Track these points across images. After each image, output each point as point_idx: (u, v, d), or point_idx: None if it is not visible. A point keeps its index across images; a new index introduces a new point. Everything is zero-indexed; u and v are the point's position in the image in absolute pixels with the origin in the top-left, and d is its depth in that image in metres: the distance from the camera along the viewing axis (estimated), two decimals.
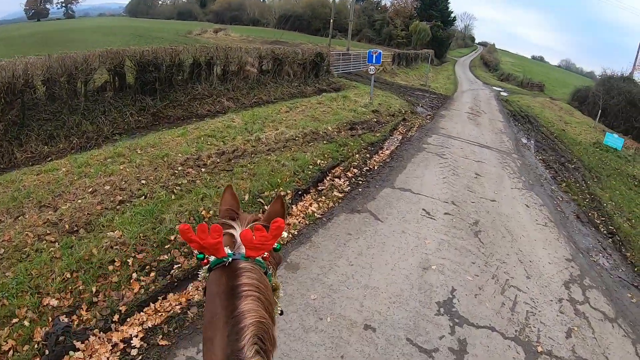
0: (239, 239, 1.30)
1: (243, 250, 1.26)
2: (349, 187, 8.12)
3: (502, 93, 36.82)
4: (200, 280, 1.73)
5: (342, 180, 8.37)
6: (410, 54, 37.96)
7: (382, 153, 10.66)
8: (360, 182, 8.42)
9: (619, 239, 9.19)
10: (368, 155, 10.06)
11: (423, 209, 7.71)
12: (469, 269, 6.13)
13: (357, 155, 9.90)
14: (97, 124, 9.96)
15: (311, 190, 7.78)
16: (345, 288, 5.22)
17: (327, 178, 8.45)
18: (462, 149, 12.68)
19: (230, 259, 1.24)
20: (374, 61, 15.48)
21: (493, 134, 16.42)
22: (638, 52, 42.10)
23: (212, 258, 1.26)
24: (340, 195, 7.76)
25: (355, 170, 8.95)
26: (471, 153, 12.49)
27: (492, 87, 41.19)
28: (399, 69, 33.02)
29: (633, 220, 10.56)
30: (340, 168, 8.96)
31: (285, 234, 1.38)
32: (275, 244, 1.30)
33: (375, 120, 14.12)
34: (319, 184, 8.16)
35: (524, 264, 6.77)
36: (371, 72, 15.67)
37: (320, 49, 21.94)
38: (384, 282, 5.41)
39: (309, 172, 8.30)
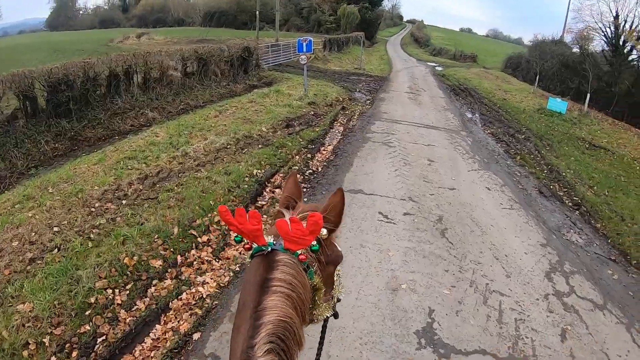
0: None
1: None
2: None
3: (437, 68, 37.06)
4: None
5: None
6: (341, 38, 37.27)
7: (324, 150, 9.74)
8: (305, 190, 7.44)
9: (585, 209, 8.90)
10: (309, 156, 9.10)
11: (380, 213, 6.86)
12: (443, 280, 5.33)
13: (297, 158, 8.93)
14: (10, 159, 8.85)
15: (250, 209, 6.73)
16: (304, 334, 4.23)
17: (267, 190, 7.44)
18: (409, 133, 12.03)
19: (269, 249, 1.21)
20: (304, 50, 14.47)
21: (437, 112, 15.97)
22: (567, 15, 43.72)
23: (254, 245, 1.23)
24: None
25: (298, 176, 7.96)
26: (419, 136, 11.85)
27: (427, 63, 41.46)
28: (331, 54, 32.29)
29: (595, 188, 10.34)
30: (280, 175, 7.95)
31: (324, 231, 1.28)
32: (314, 242, 1.24)
33: (312, 113, 13.20)
34: (258, 199, 7.13)
35: (500, 260, 6.09)
36: (303, 62, 14.67)
37: (248, 43, 20.72)
38: (349, 319, 4.48)
39: (246, 187, 7.26)
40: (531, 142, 13.47)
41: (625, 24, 31.89)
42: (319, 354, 1.65)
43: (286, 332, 1.08)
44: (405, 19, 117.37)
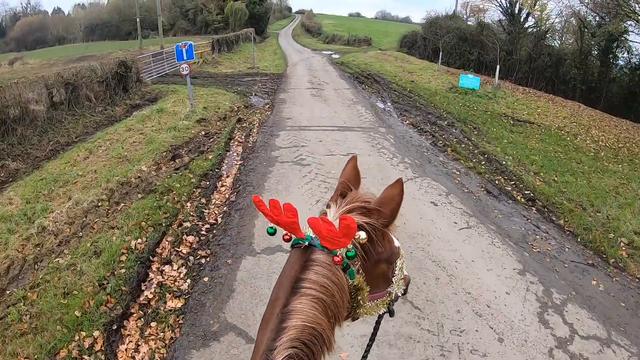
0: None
1: None
2: (189, 280, 5.05)
3: (333, 56, 36.13)
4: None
5: (176, 266, 5.29)
6: (230, 37, 34.77)
7: (222, 186, 7.73)
8: (204, 261, 5.41)
9: (542, 204, 8.01)
10: (204, 201, 7.01)
11: None
12: None
13: (188, 206, 6.83)
14: None
15: (131, 313, 4.63)
16: None
17: (153, 269, 5.31)
18: (322, 142, 10.38)
19: (307, 243, 1.19)
20: (185, 57, 12.15)
21: (347, 108, 14.54)
22: None
23: (293, 236, 1.22)
24: (180, 304, 4.69)
25: (192, 238, 5.88)
26: (334, 144, 10.26)
27: (322, 52, 40.43)
28: (222, 56, 29.84)
29: (542, 174, 9.49)
30: (169, 241, 5.82)
31: (362, 235, 1.16)
32: (351, 247, 1.17)
33: (203, 133, 11.14)
34: (142, 289, 5.01)
35: (483, 316, 4.64)
36: (185, 72, 12.29)
37: (125, 56, 18.04)
38: None
39: (123, 272, 5.11)
40: (457, 129, 12.48)
41: None
42: (367, 351, 1.63)
43: (312, 337, 1.05)
44: (294, 10, 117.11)
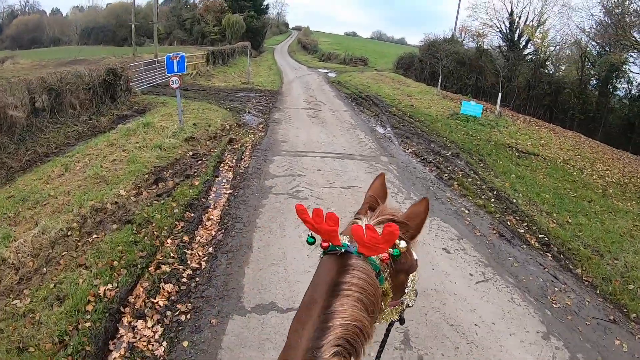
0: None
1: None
2: (165, 342, 4.28)
3: (330, 75, 35.77)
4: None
5: (150, 322, 4.53)
6: (226, 49, 34.20)
7: (208, 220, 6.99)
8: (184, 318, 4.64)
9: (557, 250, 7.44)
10: (186, 239, 6.25)
11: None
12: None
13: (169, 243, 6.09)
14: None
15: None
16: None
17: (124, 323, 4.56)
18: (321, 171, 9.73)
19: (343, 249, 1.25)
20: (175, 70, 11.48)
21: (345, 132, 13.95)
22: (458, 13, 44.99)
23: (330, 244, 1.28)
24: None
25: (171, 287, 5.10)
26: (334, 174, 9.60)
27: (318, 69, 40.04)
28: (216, 68, 29.28)
29: (554, 215, 8.89)
30: (143, 288, 5.06)
31: (402, 243, 1.30)
32: (393, 250, 1.28)
33: (191, 154, 10.45)
34: (110, 348, 4.26)
35: None
36: (174, 86, 11.62)
37: (115, 63, 17.39)
38: None
39: (87, 327, 4.37)
40: (462, 160, 11.93)
41: (519, 19, 32.98)
42: (378, 357, 1.68)
43: (355, 335, 1.12)
44: (291, 27, 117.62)
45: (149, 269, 5.43)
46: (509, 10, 33.78)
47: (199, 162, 9.94)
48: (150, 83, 21.17)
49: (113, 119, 15.11)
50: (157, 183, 8.39)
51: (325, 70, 39.52)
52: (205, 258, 5.75)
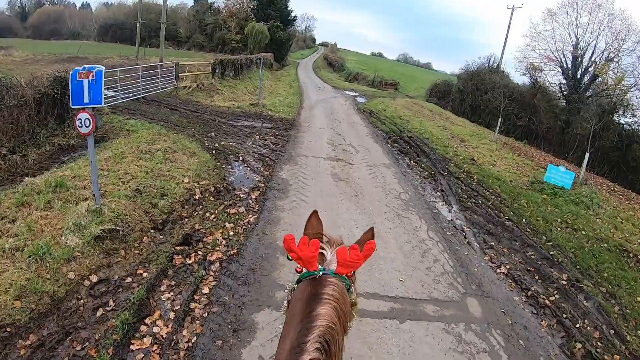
0: (329, 257, 1.52)
1: (333, 267, 1.47)
2: None
3: (358, 99, 29.87)
4: (287, 294, 1.54)
5: None
6: (240, 59, 27.93)
7: None
8: None
9: None
10: None
11: None
12: None
13: None
14: None
15: None
16: None
17: None
18: None
19: (320, 273, 1.42)
20: (86, 99, 5.59)
21: (395, 220, 8.18)
22: (506, 41, 38.87)
23: (304, 270, 1.46)
24: None
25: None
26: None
27: (345, 92, 34.04)
28: (224, 82, 23.23)
29: None
30: None
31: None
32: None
33: (95, 280, 4.92)
34: None
35: None
36: (84, 132, 5.73)
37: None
38: None
39: None
40: (588, 299, 6.46)
41: (584, 54, 26.82)
42: None
43: (332, 338, 1.21)
44: (317, 42, 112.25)
45: None
46: (574, 42, 27.67)
47: (106, 303, 4.23)
48: (128, 95, 15.43)
49: (52, 152, 9.55)
50: None
51: (353, 93, 33.54)
52: None
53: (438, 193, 10.42)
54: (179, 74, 19.29)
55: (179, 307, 4.72)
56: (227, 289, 5.16)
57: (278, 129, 14.55)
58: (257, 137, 12.91)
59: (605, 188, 16.75)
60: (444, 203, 9.79)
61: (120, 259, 5.39)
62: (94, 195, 6.07)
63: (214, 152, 10.39)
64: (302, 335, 1.18)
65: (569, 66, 27.92)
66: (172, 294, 4.92)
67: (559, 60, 28.12)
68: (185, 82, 19.60)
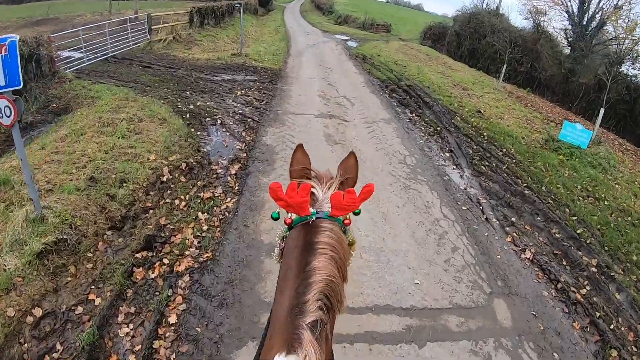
0: (320, 197, 1.31)
1: (326, 208, 1.26)
2: None
3: (350, 43, 27.73)
4: (277, 241, 1.36)
5: None
6: (222, 6, 25.26)
7: None
8: None
9: None
10: None
11: None
12: None
13: None
14: None
15: None
16: None
17: None
18: None
19: (313, 217, 1.24)
20: (2, 84, 3.90)
21: (403, 194, 7.04)
22: None
23: (294, 217, 1.26)
24: None
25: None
26: None
27: (335, 35, 31.63)
28: (203, 32, 20.87)
29: None
30: None
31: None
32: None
33: (29, 321, 3.44)
34: None
35: None
36: (6, 123, 4.25)
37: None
38: None
39: None
40: (599, 263, 5.45)
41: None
42: None
43: (332, 291, 1.10)
44: None
45: None
46: None
47: (44, 358, 3.08)
48: (96, 55, 13.56)
49: (6, 135, 8.01)
50: None
51: (344, 37, 31.21)
52: None
53: (447, 154, 9.10)
54: (152, 27, 17.25)
55: (139, 346, 3.51)
56: (199, 314, 3.95)
57: (263, 82, 12.89)
58: (239, 92, 11.28)
59: (618, 146, 15.52)
60: (455, 167, 8.50)
61: (70, 278, 4.14)
62: (36, 210, 4.64)
63: (187, 115, 8.88)
64: (301, 294, 1.05)
65: (575, 11, 25.87)
66: (131, 326, 3.72)
67: (565, 4, 26.02)
68: (160, 35, 17.55)
